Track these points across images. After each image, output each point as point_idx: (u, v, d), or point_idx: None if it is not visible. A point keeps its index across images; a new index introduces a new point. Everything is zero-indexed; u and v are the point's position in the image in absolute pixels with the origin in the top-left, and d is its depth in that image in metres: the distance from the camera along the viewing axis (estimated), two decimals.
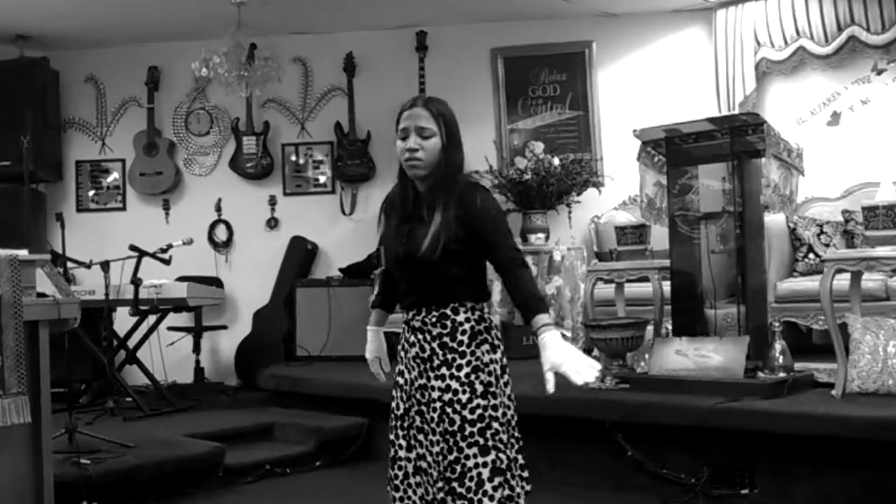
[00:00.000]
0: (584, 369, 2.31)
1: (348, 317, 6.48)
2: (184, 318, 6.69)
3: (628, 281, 4.95)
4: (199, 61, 6.14)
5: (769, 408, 3.70)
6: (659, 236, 4.96)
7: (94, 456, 4.01)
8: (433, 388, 2.49)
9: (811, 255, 5.29)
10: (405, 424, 2.58)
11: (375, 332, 2.83)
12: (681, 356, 4.17)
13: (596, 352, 4.75)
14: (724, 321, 4.41)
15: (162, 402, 5.72)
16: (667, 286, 4.67)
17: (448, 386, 2.47)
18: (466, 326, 2.50)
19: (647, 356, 4.44)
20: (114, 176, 7.35)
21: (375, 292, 2.89)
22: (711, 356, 4.08)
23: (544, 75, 6.90)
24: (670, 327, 4.60)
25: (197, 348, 6.61)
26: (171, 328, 6.51)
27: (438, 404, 2.47)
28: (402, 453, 2.58)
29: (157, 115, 7.23)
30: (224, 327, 6.94)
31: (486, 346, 2.51)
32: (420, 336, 2.54)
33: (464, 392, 2.45)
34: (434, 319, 2.51)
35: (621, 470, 4.07)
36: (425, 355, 2.53)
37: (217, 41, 6.18)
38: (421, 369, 2.54)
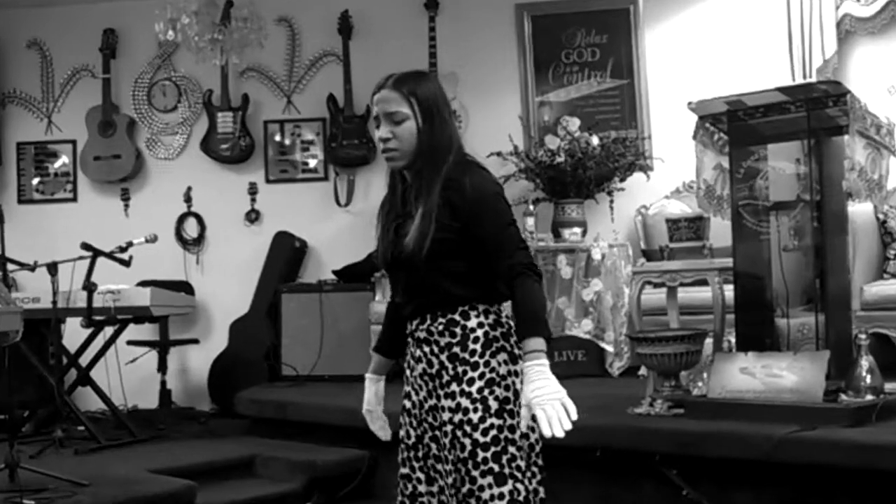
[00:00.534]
0: (554, 420, 2.30)
1: (344, 328, 6.49)
2: (147, 331, 6.71)
3: (682, 285, 4.94)
4: (165, 22, 6.17)
5: (854, 438, 3.68)
6: (720, 231, 4.95)
7: (39, 496, 4.02)
8: (443, 409, 2.50)
9: None
10: (420, 454, 2.60)
11: (373, 381, 2.82)
12: (746, 375, 4.16)
13: (644, 370, 4.73)
14: (798, 333, 4.40)
15: (121, 432, 5.73)
16: (729, 291, 4.66)
17: (458, 405, 2.48)
18: (479, 333, 2.52)
19: (705, 375, 4.43)
20: (62, 160, 7.39)
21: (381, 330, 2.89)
22: (784, 375, 4.07)
23: (580, 37, 6.90)
24: (733, 340, 4.59)
25: (163, 366, 6.63)
26: (131, 342, 6.54)
27: (449, 427, 2.48)
28: (422, 488, 2.60)
29: (114, 87, 7.27)
30: (195, 341, 6.97)
31: (502, 356, 2.52)
32: (426, 349, 2.56)
33: (475, 410, 2.46)
34: (441, 327, 2.53)
35: None
36: (433, 371, 2.55)
37: None
38: (430, 388, 2.56)
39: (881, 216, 5.41)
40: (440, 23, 6.93)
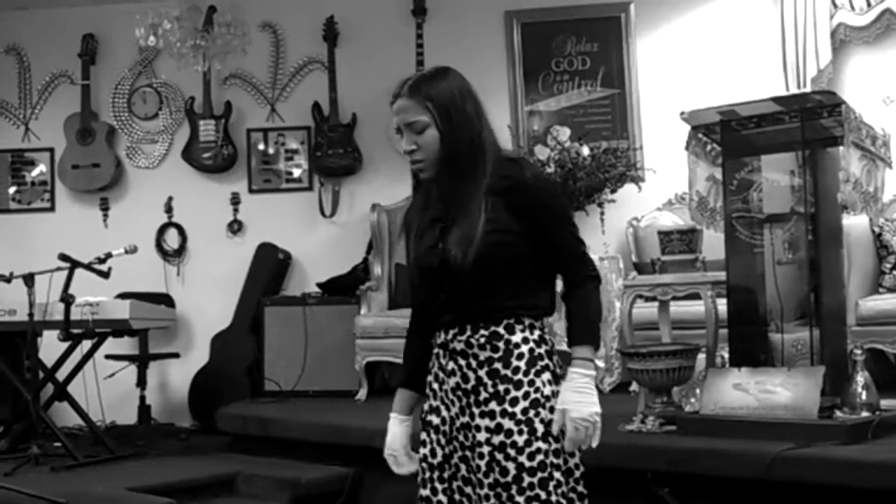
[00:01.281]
0: (581, 443, 2.38)
1: (329, 343, 6.48)
2: (126, 345, 6.70)
3: (675, 298, 4.94)
4: (146, 28, 6.17)
5: (850, 455, 3.69)
6: (713, 243, 4.96)
7: None
8: (479, 429, 2.42)
9: None
10: (446, 475, 2.51)
11: (398, 423, 2.66)
12: (740, 391, 4.17)
13: (635, 386, 4.74)
14: (793, 348, 4.41)
15: (99, 448, 5.71)
16: (722, 305, 4.66)
17: (499, 426, 2.40)
18: (524, 349, 2.45)
19: (697, 391, 4.43)
20: (40, 169, 7.37)
21: (402, 365, 2.77)
22: (778, 392, 4.08)
23: (571, 45, 6.92)
24: (727, 356, 4.59)
25: (142, 381, 6.61)
26: (109, 356, 6.52)
27: (486, 448, 2.40)
28: None
29: (94, 93, 7.26)
30: (176, 355, 6.94)
31: (547, 375, 2.46)
32: (463, 362, 2.47)
33: (520, 433, 2.39)
34: (483, 340, 2.45)
35: None
36: (468, 386, 2.46)
37: (167, 3, 6.21)
38: (463, 404, 2.47)
39: (876, 229, 5.43)
40: (428, 30, 6.94)
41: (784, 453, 3.76)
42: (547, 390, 2.44)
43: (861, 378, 4.14)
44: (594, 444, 2.41)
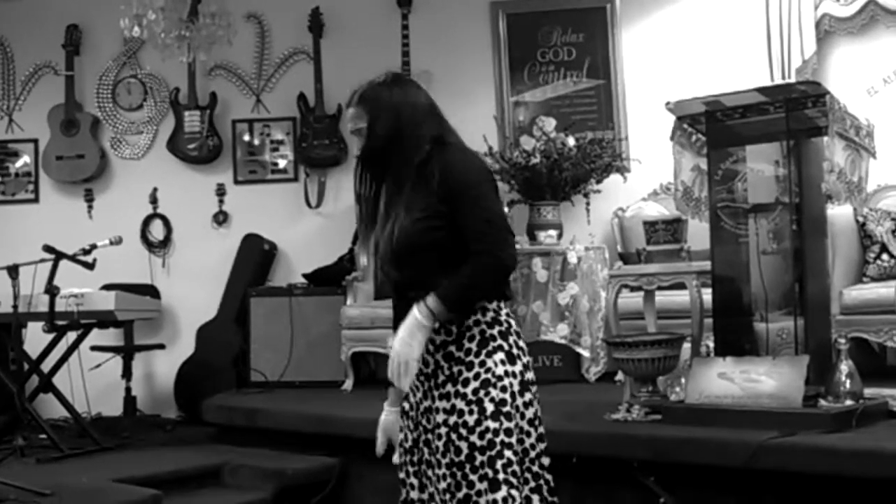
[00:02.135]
0: (393, 366, 2.44)
1: (315, 333, 6.47)
2: (111, 336, 6.68)
3: (660, 288, 4.96)
4: (130, 18, 6.13)
5: (833, 444, 3.71)
6: (698, 233, 4.97)
7: None
8: (437, 411, 2.49)
9: (885, 256, 5.31)
10: (415, 458, 2.58)
11: (393, 413, 2.74)
12: (725, 381, 4.18)
13: (620, 375, 4.74)
14: (777, 337, 4.42)
15: (84, 440, 5.70)
16: (707, 295, 4.68)
17: (453, 406, 2.46)
18: (475, 330, 2.50)
19: (683, 381, 4.45)
20: (24, 160, 7.34)
21: None
22: (762, 380, 4.09)
23: (556, 35, 6.92)
24: (712, 345, 4.61)
25: (127, 373, 6.60)
26: (95, 348, 6.50)
27: (443, 430, 2.47)
28: (414, 494, 2.58)
29: (78, 84, 7.22)
30: (161, 346, 6.93)
31: (499, 355, 2.50)
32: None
33: (470, 413, 2.44)
34: (437, 325, 2.49)
35: None
36: (429, 370, 2.53)
37: None
38: (425, 388, 2.54)
39: (860, 219, 5.45)
40: (413, 21, 6.92)
41: (768, 442, 3.78)
42: (499, 370, 2.48)
43: (845, 367, 4.16)
44: (401, 387, 2.45)
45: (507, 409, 2.46)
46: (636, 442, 4.13)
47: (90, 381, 6.23)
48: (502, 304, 2.56)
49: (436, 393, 2.50)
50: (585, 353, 5.93)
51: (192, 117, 7.07)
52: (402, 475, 2.61)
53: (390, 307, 2.77)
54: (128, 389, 6.61)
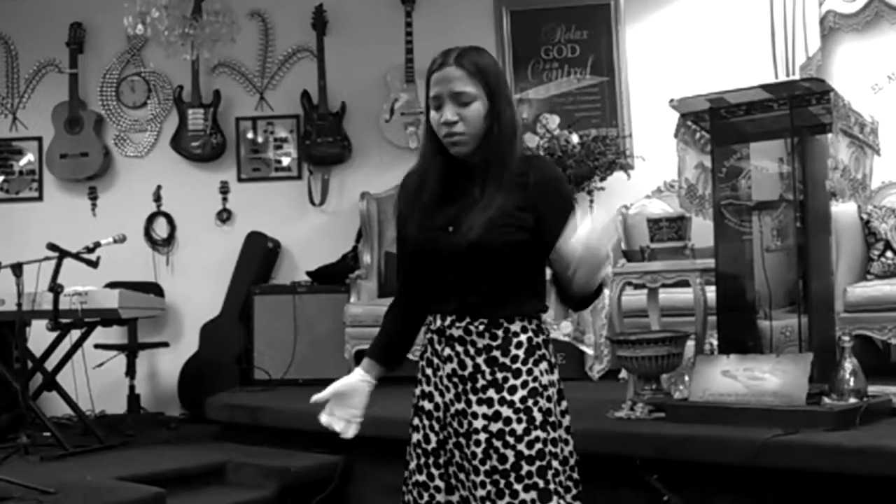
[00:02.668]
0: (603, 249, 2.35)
1: (318, 331, 6.48)
2: (115, 334, 6.69)
3: (664, 286, 4.95)
4: (133, 16, 6.14)
5: (837, 442, 3.70)
6: (702, 231, 4.97)
7: None
8: (475, 416, 2.41)
9: (889, 254, 5.30)
10: (441, 461, 2.49)
11: (363, 382, 2.61)
12: (728, 378, 4.18)
13: (624, 373, 4.74)
14: (781, 335, 4.42)
15: (88, 438, 5.70)
16: (711, 292, 4.67)
17: (497, 413, 2.40)
18: (523, 338, 2.44)
19: (686, 379, 4.45)
20: (28, 158, 7.34)
21: (378, 336, 2.67)
22: (766, 378, 4.09)
23: (560, 32, 6.91)
24: (715, 343, 4.60)
25: (131, 371, 6.60)
26: (98, 346, 6.51)
27: (483, 436, 2.40)
28: (440, 497, 2.49)
29: (82, 82, 7.23)
30: (165, 344, 6.94)
31: (544, 365, 2.46)
32: (460, 348, 2.45)
33: (518, 421, 2.39)
34: (482, 328, 2.43)
35: None
36: (465, 373, 2.45)
37: None
38: (458, 390, 2.46)
39: (865, 216, 5.44)
40: (417, 17, 6.92)
41: (772, 440, 3.78)
42: (545, 379, 2.44)
43: (849, 364, 4.16)
44: (604, 273, 2.39)
45: (552, 418, 2.43)
46: (640, 440, 4.13)
47: (94, 379, 6.24)
48: (542, 315, 2.51)
49: (473, 398, 2.42)
50: (589, 351, 5.93)
51: (196, 115, 7.07)
52: (421, 477, 2.50)
53: None
54: (131, 387, 6.62)
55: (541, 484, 2.37)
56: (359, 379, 2.62)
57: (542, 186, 2.42)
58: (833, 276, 4.70)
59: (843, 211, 5.27)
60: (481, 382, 2.43)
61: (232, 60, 7.20)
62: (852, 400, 4.06)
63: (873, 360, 5.02)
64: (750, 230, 4.45)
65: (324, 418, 2.65)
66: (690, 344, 4.72)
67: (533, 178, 2.42)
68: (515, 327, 2.44)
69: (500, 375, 2.42)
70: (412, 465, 2.55)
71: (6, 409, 5.92)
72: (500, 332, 2.43)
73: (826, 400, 4.07)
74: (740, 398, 4.12)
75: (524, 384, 2.41)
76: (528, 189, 2.41)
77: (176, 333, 7.10)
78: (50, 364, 5.92)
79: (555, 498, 2.38)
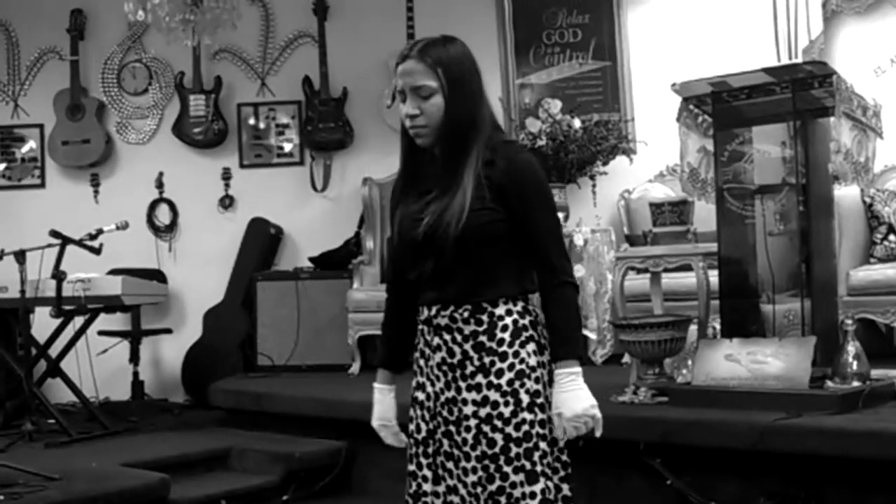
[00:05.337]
0: (582, 430, 2.38)
1: (321, 317, 6.49)
2: (118, 321, 6.69)
3: (666, 270, 4.95)
4: (134, 2, 6.11)
5: (840, 425, 3.71)
6: (704, 215, 4.97)
7: (8, 490, 4.01)
8: (465, 402, 2.42)
9: (892, 237, 5.29)
10: (430, 450, 2.50)
11: (383, 392, 2.67)
12: (731, 362, 4.18)
13: (627, 357, 4.74)
14: (784, 319, 4.42)
15: (92, 424, 5.72)
16: (714, 276, 4.68)
17: (486, 398, 2.40)
18: (508, 321, 2.43)
19: (689, 363, 4.45)
20: (30, 145, 7.34)
21: (380, 344, 2.73)
22: (769, 362, 4.09)
23: (562, 17, 6.89)
24: (718, 327, 4.61)
25: (135, 357, 6.62)
26: (102, 332, 6.52)
27: (473, 422, 2.41)
28: (427, 487, 2.50)
29: (83, 69, 7.22)
30: (168, 331, 6.94)
31: (531, 346, 2.45)
32: (447, 336, 2.46)
33: (506, 404, 2.39)
34: (466, 314, 2.43)
35: (658, 501, 4.09)
36: (454, 360, 2.45)
37: None
38: (448, 378, 2.46)
39: (867, 199, 5.44)
40: (418, 2, 6.90)
41: (775, 423, 3.78)
42: (532, 361, 2.44)
43: (852, 348, 4.16)
44: (598, 434, 2.40)
45: (540, 400, 2.42)
46: (643, 424, 4.14)
47: (98, 366, 6.26)
48: (529, 295, 2.50)
49: (462, 384, 2.43)
50: (592, 336, 5.93)
51: (198, 101, 7.06)
52: (411, 467, 2.53)
53: None
54: (135, 374, 6.63)
55: (528, 466, 2.38)
56: (382, 396, 2.69)
57: (508, 173, 2.41)
58: (836, 260, 4.70)
59: (846, 194, 5.26)
60: (470, 369, 2.44)
61: (233, 46, 7.19)
62: (855, 383, 4.07)
63: (876, 343, 5.03)
64: (752, 214, 4.45)
65: (396, 441, 2.68)
66: (693, 328, 4.72)
67: (500, 164, 2.42)
68: (500, 311, 2.44)
69: (487, 360, 2.42)
70: (407, 454, 2.57)
71: (11, 396, 5.94)
72: (484, 317, 2.44)
73: (829, 383, 4.07)
74: (743, 382, 4.13)
75: (511, 367, 2.42)
76: (493, 177, 2.41)
77: (179, 320, 7.11)
78: (54, 351, 5.93)
79: (542, 479, 2.38)
